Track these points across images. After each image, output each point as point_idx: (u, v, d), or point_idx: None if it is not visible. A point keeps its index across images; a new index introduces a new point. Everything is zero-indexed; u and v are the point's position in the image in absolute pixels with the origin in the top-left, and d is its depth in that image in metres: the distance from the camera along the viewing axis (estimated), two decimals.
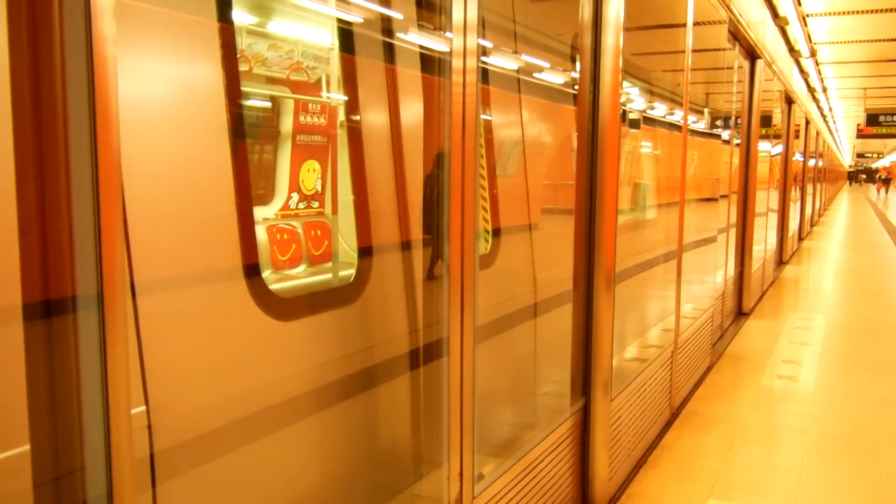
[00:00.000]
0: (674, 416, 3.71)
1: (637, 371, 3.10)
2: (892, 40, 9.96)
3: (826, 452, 3.30)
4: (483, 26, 2.12)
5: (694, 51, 3.79)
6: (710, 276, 4.85)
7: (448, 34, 1.72)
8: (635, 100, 3.23)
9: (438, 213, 1.75)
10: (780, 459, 3.21)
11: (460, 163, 1.76)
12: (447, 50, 1.72)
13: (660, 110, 3.64)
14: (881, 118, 15.81)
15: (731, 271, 6.04)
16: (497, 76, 2.29)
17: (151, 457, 1.12)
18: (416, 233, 1.84)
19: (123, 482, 0.98)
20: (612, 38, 2.58)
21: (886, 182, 42.79)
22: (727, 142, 5.32)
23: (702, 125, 4.40)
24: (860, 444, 3.38)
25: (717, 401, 4.00)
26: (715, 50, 4.56)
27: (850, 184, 64.38)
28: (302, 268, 3.42)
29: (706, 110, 4.54)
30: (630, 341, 3.20)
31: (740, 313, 6.44)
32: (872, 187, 58.46)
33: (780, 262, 9.84)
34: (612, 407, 2.69)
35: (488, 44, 2.20)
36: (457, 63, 1.75)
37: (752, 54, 6.20)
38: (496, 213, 2.26)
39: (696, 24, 3.77)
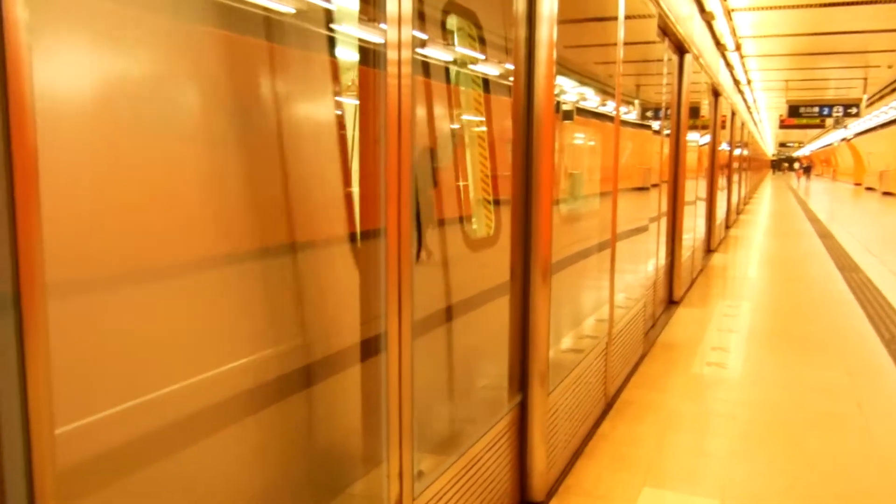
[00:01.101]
0: (609, 405, 3.88)
1: (573, 363, 3.22)
2: (811, 34, 10.66)
3: (753, 438, 3.54)
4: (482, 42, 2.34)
5: (625, 44, 3.95)
6: (643, 266, 5.07)
7: (383, 26, 1.74)
8: (569, 91, 3.34)
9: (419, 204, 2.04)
10: (710, 446, 3.42)
11: (396, 157, 1.79)
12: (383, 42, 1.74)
13: (593, 101, 3.77)
14: (801, 109, 16.90)
15: (663, 260, 6.34)
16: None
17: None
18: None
19: (46, 499, 0.96)
20: (546, 30, 2.66)
21: (807, 170, 45.41)
22: (658, 132, 5.57)
23: (633, 116, 4.59)
24: (785, 429, 3.63)
25: (651, 389, 4.21)
26: (645, 43, 4.75)
27: (774, 172, 68.35)
28: None
29: (637, 101, 4.73)
30: (565, 332, 3.32)
31: (671, 302, 6.76)
32: (794, 175, 62.32)
33: (709, 250, 10.38)
34: (549, 401, 2.79)
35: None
36: (392, 55, 1.77)
37: (680, 48, 6.50)
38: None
39: (627, 17, 3.92)
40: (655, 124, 5.41)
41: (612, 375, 3.90)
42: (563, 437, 3.04)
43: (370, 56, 1.79)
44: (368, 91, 1.81)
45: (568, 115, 3.31)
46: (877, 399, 4.06)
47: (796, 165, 69.79)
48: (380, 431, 1.82)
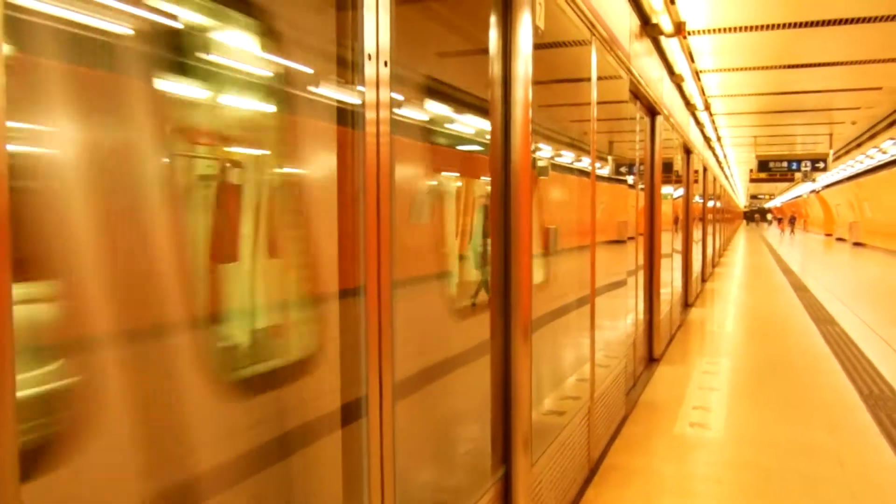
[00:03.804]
0: (592, 471, 3.81)
1: (557, 429, 3.17)
2: (778, 94, 11.13)
3: (739, 502, 3.49)
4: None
5: (599, 103, 4.07)
6: (622, 322, 5.09)
7: (361, 88, 1.76)
8: (545, 149, 3.41)
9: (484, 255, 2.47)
10: None
11: (375, 213, 1.79)
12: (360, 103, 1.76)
13: (570, 158, 3.85)
14: (771, 164, 17.47)
15: (641, 316, 6.37)
16: None
17: None
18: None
19: None
20: (522, 91, 2.73)
21: (792, 221, 45.85)
22: (632, 187, 5.69)
23: (607, 171, 4.69)
24: (770, 491, 3.59)
25: (634, 453, 4.15)
26: (618, 102, 4.91)
27: (748, 223, 70.04)
28: None
29: (612, 158, 4.85)
30: (547, 396, 3.28)
31: (651, 359, 6.76)
32: (766, 226, 63.75)
33: (686, 304, 10.48)
34: (533, 472, 2.73)
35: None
36: (370, 115, 1.79)
37: (651, 110, 6.72)
38: None
39: (599, 78, 4.06)
40: (630, 179, 5.53)
41: (595, 439, 3.85)
42: None
43: (349, 117, 1.81)
44: (346, 150, 1.82)
45: (543, 171, 3.37)
46: (858, 457, 4.06)
47: (769, 217, 71.65)
48: None
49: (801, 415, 4.92)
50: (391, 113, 1.86)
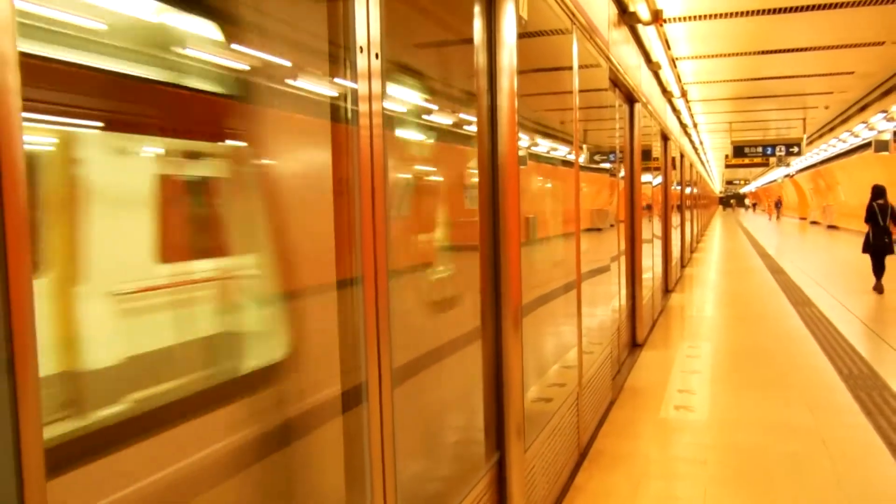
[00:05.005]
0: (582, 456, 3.89)
1: (547, 416, 3.23)
2: (752, 79, 11.32)
3: (725, 482, 3.59)
4: None
5: (581, 91, 4.13)
6: (606, 309, 5.17)
7: (353, 84, 1.79)
8: (525, 137, 3.45)
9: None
10: (684, 493, 3.45)
11: (370, 204, 1.82)
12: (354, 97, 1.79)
13: (554, 148, 3.90)
14: (746, 149, 17.75)
15: (624, 302, 6.48)
16: None
17: None
18: None
19: None
20: (507, 81, 2.77)
21: (777, 206, 46.74)
22: (613, 174, 5.77)
23: (582, 159, 4.75)
24: (754, 471, 3.71)
25: (622, 437, 4.25)
26: (598, 90, 4.97)
27: (724, 209, 71.13)
28: None
29: (587, 146, 4.91)
30: (538, 383, 3.34)
31: (635, 345, 6.89)
32: (742, 211, 64.70)
33: (667, 290, 10.65)
34: (526, 458, 2.79)
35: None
36: (363, 108, 1.82)
37: (630, 98, 6.80)
38: None
39: (581, 67, 4.11)
40: (610, 167, 5.61)
41: (584, 425, 3.93)
42: (541, 493, 3.03)
43: (341, 110, 1.84)
44: (339, 143, 1.85)
45: (521, 161, 3.41)
46: (840, 436, 4.19)
47: (746, 201, 72.91)
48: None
49: (782, 396, 5.06)
50: (383, 105, 1.89)
